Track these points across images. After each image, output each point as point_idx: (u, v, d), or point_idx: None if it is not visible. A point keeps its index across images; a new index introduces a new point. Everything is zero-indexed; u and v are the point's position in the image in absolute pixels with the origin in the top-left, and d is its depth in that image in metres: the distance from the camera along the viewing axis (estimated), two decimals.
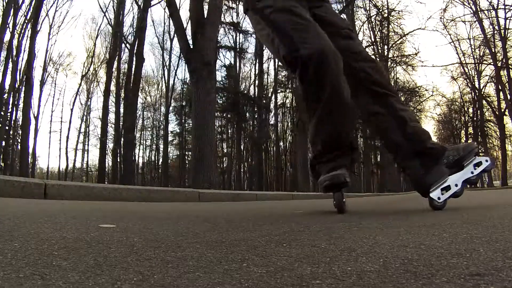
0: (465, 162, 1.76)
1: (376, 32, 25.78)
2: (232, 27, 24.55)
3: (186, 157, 31.18)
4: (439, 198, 1.72)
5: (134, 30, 19.39)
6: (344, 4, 19.52)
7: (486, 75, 28.03)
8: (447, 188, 1.72)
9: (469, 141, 38.73)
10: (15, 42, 19.11)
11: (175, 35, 15.99)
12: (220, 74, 25.06)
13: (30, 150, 19.61)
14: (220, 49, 23.57)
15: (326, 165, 1.82)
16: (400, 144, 1.82)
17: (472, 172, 1.74)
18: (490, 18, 23.25)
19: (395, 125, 1.82)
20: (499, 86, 24.06)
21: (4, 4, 16.16)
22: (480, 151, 35.46)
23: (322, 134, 1.80)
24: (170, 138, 31.53)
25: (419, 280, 0.54)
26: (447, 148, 1.83)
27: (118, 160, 18.83)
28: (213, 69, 8.45)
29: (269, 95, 27.74)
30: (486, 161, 1.77)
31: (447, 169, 1.76)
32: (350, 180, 1.78)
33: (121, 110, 20.03)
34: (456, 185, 1.72)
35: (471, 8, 23.81)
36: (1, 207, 1.81)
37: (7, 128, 20.67)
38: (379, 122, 1.88)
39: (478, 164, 1.75)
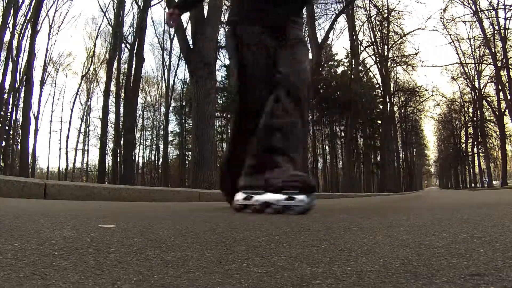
0: (285, 189, 1.80)
1: (376, 32, 25.79)
2: None
3: (186, 157, 31.19)
4: (237, 200, 1.91)
5: (134, 30, 19.40)
6: (344, 4, 19.52)
7: (486, 75, 28.06)
8: (250, 197, 1.88)
9: (469, 141, 38.47)
10: (15, 42, 19.12)
11: (175, 35, 16.01)
12: (220, 74, 25.07)
13: (30, 150, 19.60)
14: (220, 49, 23.55)
15: None
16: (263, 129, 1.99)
17: (279, 200, 1.80)
18: (490, 18, 23.26)
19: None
20: (499, 86, 24.07)
21: (4, 4, 16.16)
22: (480, 151, 35.41)
23: None
24: (170, 138, 31.57)
25: (419, 280, 0.54)
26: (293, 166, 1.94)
27: (118, 160, 18.83)
28: (213, 69, 8.45)
29: None
30: (303, 200, 1.78)
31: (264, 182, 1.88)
32: None
33: (121, 110, 20.03)
34: (257, 201, 1.84)
35: (471, 8, 23.83)
36: (1, 207, 1.81)
37: (7, 128, 20.67)
38: None
39: (291, 198, 1.78)
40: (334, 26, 20.68)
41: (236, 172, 2.04)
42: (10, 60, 18.29)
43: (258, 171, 1.89)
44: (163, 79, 30.61)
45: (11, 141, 21.91)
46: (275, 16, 2.12)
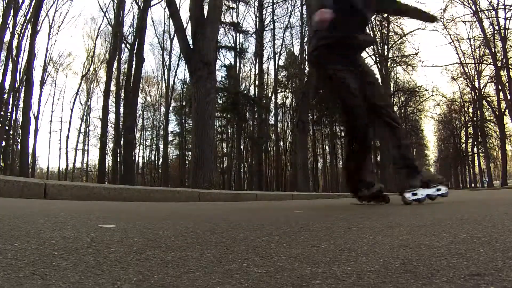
0: (432, 184, 2.70)
1: (376, 32, 25.75)
2: (232, 27, 24.54)
3: (186, 157, 31.17)
4: (408, 197, 2.61)
5: (134, 30, 19.40)
6: None
7: (486, 75, 28.04)
8: (415, 194, 2.63)
9: (469, 141, 38.69)
10: (15, 42, 19.14)
11: (175, 35, 16.00)
12: (220, 74, 25.04)
13: (30, 150, 19.61)
14: (220, 49, 23.55)
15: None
16: (395, 157, 2.83)
17: (434, 192, 2.69)
18: (490, 18, 23.24)
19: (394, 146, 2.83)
20: (499, 86, 24.05)
21: (4, 4, 16.16)
22: (480, 151, 35.42)
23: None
24: (170, 138, 31.55)
25: (419, 280, 0.54)
26: (423, 170, 2.77)
27: (118, 160, 18.83)
28: (213, 69, 8.45)
29: (269, 95, 27.75)
30: (445, 189, 2.74)
31: (419, 182, 2.68)
32: None
33: (121, 110, 20.03)
34: (422, 195, 2.63)
35: (471, 8, 23.81)
36: (1, 207, 1.81)
37: (7, 128, 20.67)
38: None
39: (439, 189, 2.71)
40: None
41: (355, 179, 3.06)
42: (10, 60, 18.30)
43: (412, 176, 2.72)
44: (163, 79, 30.65)
45: (11, 141, 21.91)
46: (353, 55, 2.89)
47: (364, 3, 2.73)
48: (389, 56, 26.26)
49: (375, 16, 22.82)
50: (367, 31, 2.98)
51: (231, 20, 24.56)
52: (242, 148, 28.25)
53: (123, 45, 20.92)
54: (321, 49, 2.78)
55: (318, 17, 2.45)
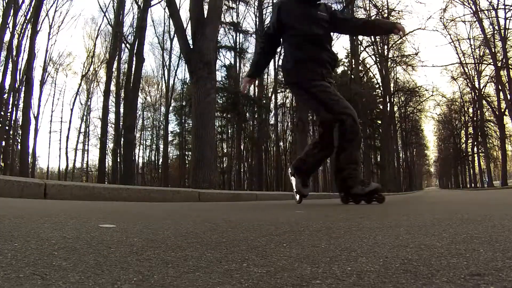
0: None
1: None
2: (232, 27, 24.56)
3: (186, 157, 31.18)
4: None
5: (134, 30, 19.40)
6: (344, 4, 19.51)
7: (486, 75, 28.05)
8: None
9: (469, 141, 38.67)
10: (15, 42, 19.14)
11: (175, 35, 16.01)
12: (220, 74, 25.05)
13: (30, 150, 19.62)
14: (220, 49, 23.55)
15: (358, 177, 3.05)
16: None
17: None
18: (490, 18, 23.24)
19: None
20: (499, 86, 24.05)
21: (4, 4, 16.16)
22: (480, 151, 35.39)
23: (356, 158, 3.07)
24: (170, 138, 31.54)
25: (419, 280, 0.54)
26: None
27: (118, 160, 18.83)
28: (213, 69, 8.43)
29: (269, 95, 27.74)
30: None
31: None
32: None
33: (121, 110, 20.03)
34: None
35: (471, 8, 23.81)
36: (1, 207, 1.81)
37: (7, 128, 20.67)
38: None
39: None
40: None
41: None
42: (10, 60, 18.30)
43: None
44: (163, 79, 30.64)
45: (11, 141, 21.91)
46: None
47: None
48: (389, 56, 26.27)
49: (375, 16, 22.82)
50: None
51: (231, 20, 24.58)
52: (242, 148, 28.25)
53: (123, 45, 20.92)
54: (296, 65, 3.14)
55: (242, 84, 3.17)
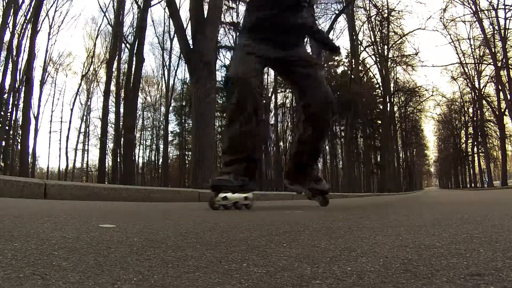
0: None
1: (376, 32, 25.76)
2: (232, 27, 24.50)
3: (186, 157, 31.17)
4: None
5: (134, 30, 19.39)
6: (344, 4, 19.52)
7: (486, 75, 28.04)
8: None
9: (469, 141, 38.54)
10: (15, 42, 19.12)
11: (175, 35, 15.98)
12: (220, 74, 25.01)
13: (30, 150, 19.58)
14: (220, 49, 23.53)
15: (224, 167, 2.39)
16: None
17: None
18: (490, 18, 23.24)
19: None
20: (499, 86, 24.05)
21: (4, 4, 16.15)
22: (480, 151, 35.36)
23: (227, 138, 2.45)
24: (170, 138, 31.53)
25: (419, 280, 0.54)
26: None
27: (118, 160, 18.82)
28: (213, 69, 8.44)
29: (269, 95, 27.73)
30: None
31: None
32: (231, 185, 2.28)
33: (121, 110, 20.01)
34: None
35: (471, 8, 23.81)
36: (1, 207, 1.81)
37: (7, 128, 20.67)
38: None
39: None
40: (334, 26, 20.72)
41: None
42: (10, 60, 18.29)
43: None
44: (163, 79, 30.60)
45: (11, 141, 21.91)
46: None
47: None
48: (389, 56, 26.28)
49: (375, 16, 22.81)
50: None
51: (231, 20, 24.53)
52: None
53: (123, 45, 20.91)
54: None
55: None
